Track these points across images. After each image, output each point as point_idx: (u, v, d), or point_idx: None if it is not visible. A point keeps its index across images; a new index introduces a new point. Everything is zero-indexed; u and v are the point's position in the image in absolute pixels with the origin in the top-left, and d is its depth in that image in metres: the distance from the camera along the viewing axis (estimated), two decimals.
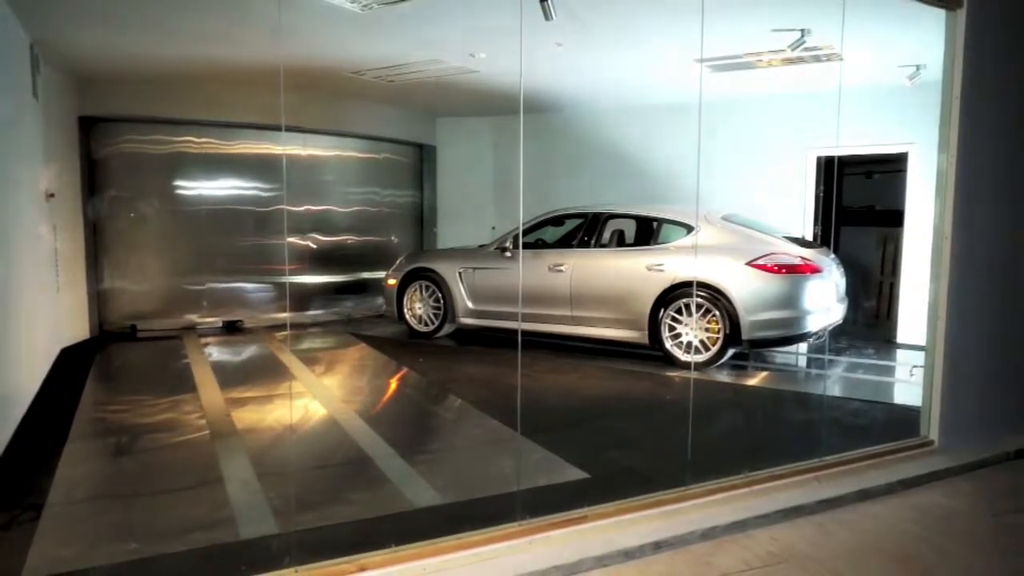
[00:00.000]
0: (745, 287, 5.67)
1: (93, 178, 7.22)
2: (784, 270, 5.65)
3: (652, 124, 9.00)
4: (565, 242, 6.87)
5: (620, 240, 6.60)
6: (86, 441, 4.28)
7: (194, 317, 7.82)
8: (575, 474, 3.62)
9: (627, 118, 9.08)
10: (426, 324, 7.34)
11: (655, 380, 5.69)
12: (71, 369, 5.95)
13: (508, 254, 6.85)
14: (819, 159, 7.67)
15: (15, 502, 3.32)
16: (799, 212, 7.85)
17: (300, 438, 4.37)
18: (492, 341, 7.04)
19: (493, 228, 10.03)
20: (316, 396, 5.29)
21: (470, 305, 7.02)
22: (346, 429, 4.44)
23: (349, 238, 9.03)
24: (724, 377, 5.79)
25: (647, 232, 6.60)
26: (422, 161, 10.15)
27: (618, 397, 5.28)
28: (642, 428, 4.61)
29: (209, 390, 5.27)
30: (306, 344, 7.35)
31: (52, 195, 6.01)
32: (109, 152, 7.35)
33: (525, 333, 6.69)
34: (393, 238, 9.74)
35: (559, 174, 9.26)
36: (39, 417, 4.65)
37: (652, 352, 6.15)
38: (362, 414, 4.79)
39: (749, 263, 5.70)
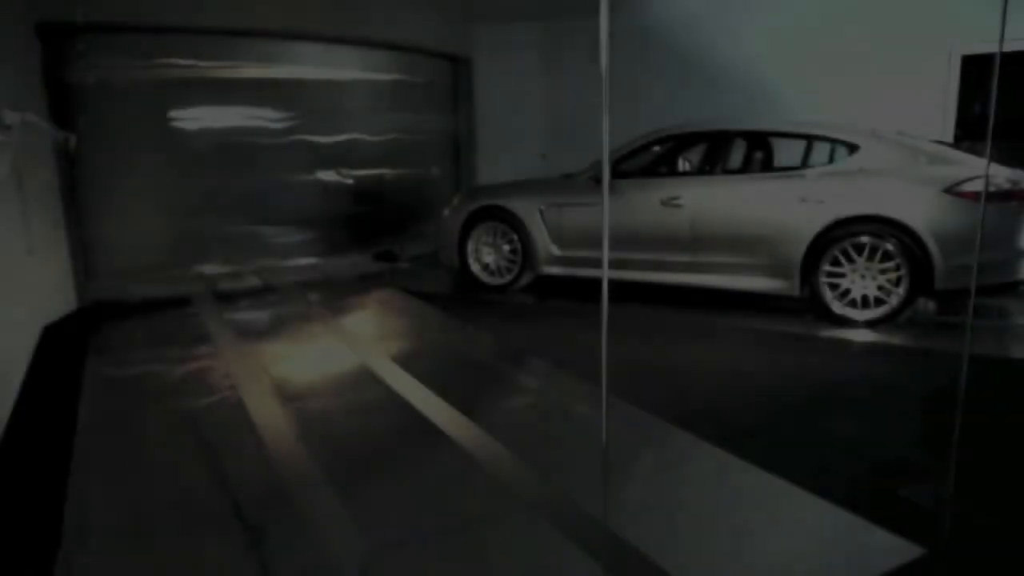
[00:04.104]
0: (943, 222, 4.37)
1: (64, 106, 5.65)
2: (994, 199, 4.35)
3: (745, 21, 7.53)
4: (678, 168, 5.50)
5: (762, 165, 5.27)
6: (99, 434, 2.98)
7: (203, 271, 6.41)
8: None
9: (718, 14, 7.63)
10: (499, 275, 6.00)
11: (821, 346, 4.43)
12: (59, 351, 4.57)
13: None
14: (965, 57, 6.30)
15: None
16: (936, 123, 6.54)
17: (349, 409, 3.19)
18: (583, 294, 5.71)
19: (544, 156, 8.61)
20: (358, 352, 4.09)
21: (555, 251, 5.67)
22: (412, 402, 3.15)
23: (384, 171, 7.57)
24: (918, 340, 4.46)
25: (794, 154, 5.29)
26: (458, 78, 8.59)
27: (782, 374, 3.99)
28: (856, 428, 3.31)
29: (232, 360, 3.99)
30: (341, 301, 5.97)
31: (8, 127, 4.47)
32: (82, 74, 5.76)
33: (628, 284, 5.39)
34: (433, 169, 8.29)
35: (635, 91, 7.77)
36: (31, 416, 3.35)
37: (795, 306, 4.92)
38: (425, 380, 3.54)
39: (947, 190, 4.39)
